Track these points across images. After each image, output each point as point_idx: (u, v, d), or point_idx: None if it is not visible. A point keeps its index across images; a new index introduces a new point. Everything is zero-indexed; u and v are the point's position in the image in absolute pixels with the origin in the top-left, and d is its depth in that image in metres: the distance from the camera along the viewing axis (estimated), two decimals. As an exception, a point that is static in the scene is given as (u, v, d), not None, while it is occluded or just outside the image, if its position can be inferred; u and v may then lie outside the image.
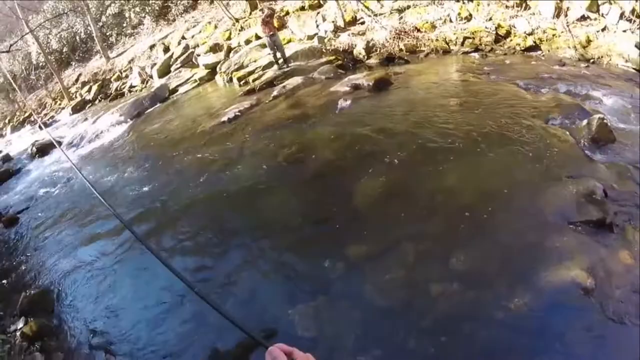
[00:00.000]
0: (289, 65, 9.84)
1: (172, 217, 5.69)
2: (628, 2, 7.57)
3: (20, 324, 4.67)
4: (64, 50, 22.43)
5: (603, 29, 7.86)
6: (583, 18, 8.17)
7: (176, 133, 8.92)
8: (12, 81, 17.72)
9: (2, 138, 19.82)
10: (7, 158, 13.18)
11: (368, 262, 3.89)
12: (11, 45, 13.11)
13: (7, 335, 4.59)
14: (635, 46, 7.17)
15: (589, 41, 7.90)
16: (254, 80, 10.03)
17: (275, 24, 10.03)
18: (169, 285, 4.31)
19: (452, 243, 3.84)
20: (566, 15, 8.36)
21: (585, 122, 5.03)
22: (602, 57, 7.57)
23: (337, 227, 4.49)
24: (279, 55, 9.90)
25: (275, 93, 8.81)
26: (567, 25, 8.25)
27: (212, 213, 5.57)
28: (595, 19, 8.05)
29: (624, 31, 7.59)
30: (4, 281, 5.91)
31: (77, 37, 21.83)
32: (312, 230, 4.62)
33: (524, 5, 9.05)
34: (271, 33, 9.63)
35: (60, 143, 12.15)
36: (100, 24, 19.97)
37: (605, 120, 4.93)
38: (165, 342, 3.79)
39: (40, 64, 22.17)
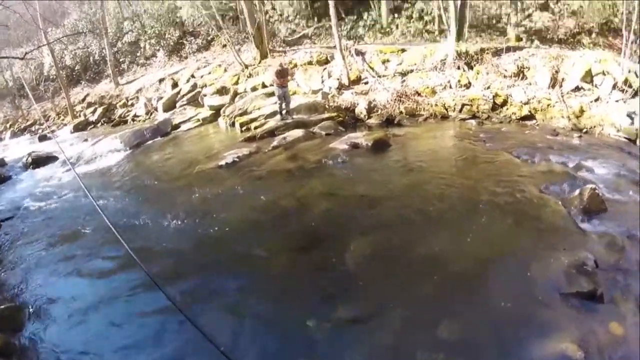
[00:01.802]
0: (292, 117, 10.09)
1: (156, 254, 5.57)
2: (621, 73, 7.91)
3: None
4: (76, 68, 22.83)
5: (596, 99, 8.20)
6: (577, 89, 8.55)
7: (173, 170, 9.00)
8: (25, 85, 17.86)
9: (0, 142, 19.79)
10: (1, 163, 13.06)
11: (354, 324, 3.90)
12: (26, 53, 13.38)
13: None
14: (627, 115, 7.44)
15: (582, 111, 8.21)
16: (255, 128, 10.23)
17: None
18: (157, 321, 4.29)
19: (440, 310, 3.87)
20: (561, 86, 8.76)
21: (577, 192, 5.20)
22: (594, 127, 7.83)
23: (325, 285, 4.51)
24: (284, 106, 10.11)
25: (275, 143, 9.00)
26: (562, 96, 8.62)
27: (195, 257, 5.52)
28: (589, 90, 8.42)
29: (617, 101, 7.93)
30: None
31: (91, 58, 22.29)
32: (299, 287, 4.62)
33: (521, 75, 9.47)
34: (284, 85, 9.82)
35: (57, 158, 12.23)
36: (115, 49, 20.48)
37: (597, 191, 5.10)
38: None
39: (51, 77, 22.50)
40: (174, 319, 4.19)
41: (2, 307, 5.03)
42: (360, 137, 8.43)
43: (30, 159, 12.24)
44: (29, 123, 21.70)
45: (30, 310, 4.96)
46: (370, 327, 3.81)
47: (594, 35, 11.32)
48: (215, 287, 4.79)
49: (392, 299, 4.09)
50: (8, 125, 22.69)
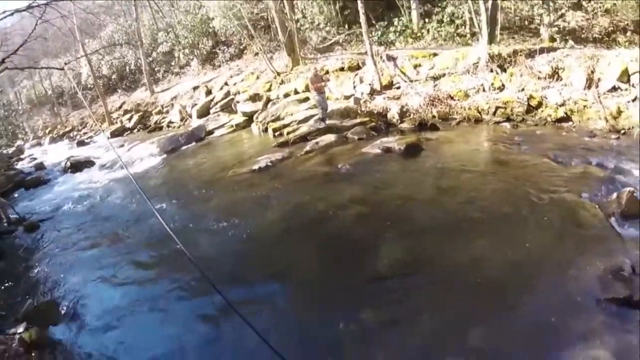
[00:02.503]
0: (326, 122, 10.11)
1: (192, 255, 5.66)
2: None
3: (20, 329, 4.62)
4: (112, 77, 23.81)
5: (634, 100, 7.82)
6: (614, 89, 8.19)
7: (207, 174, 9.20)
8: (79, 90, 18.58)
9: (39, 146, 20.70)
10: (41, 167, 13.69)
11: (383, 328, 3.85)
12: (66, 64, 14.07)
13: (5, 337, 4.58)
14: None
15: (619, 112, 7.87)
16: (288, 133, 10.32)
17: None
18: (191, 323, 4.35)
19: (472, 316, 3.78)
20: (597, 86, 8.40)
21: (614, 195, 5.00)
22: (632, 127, 7.48)
23: (356, 288, 4.48)
24: (321, 112, 10.08)
25: (307, 148, 9.05)
26: (598, 96, 8.26)
27: (231, 257, 5.61)
28: (626, 90, 8.06)
29: (656, 101, 7.52)
30: (14, 283, 5.97)
31: (127, 68, 23.20)
32: (330, 288, 4.61)
33: (555, 76, 9.19)
34: (321, 92, 9.89)
35: (94, 163, 12.67)
36: (150, 59, 21.22)
37: (635, 194, 4.90)
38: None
39: (89, 86, 23.47)
40: (207, 323, 4.31)
41: (39, 302, 5.25)
42: (393, 142, 8.36)
43: (68, 163, 12.83)
44: (67, 129, 22.72)
45: (66, 306, 5.13)
46: (400, 332, 3.77)
47: (629, 33, 10.92)
48: (245, 291, 4.79)
49: (424, 304, 4.05)
50: (47, 132, 23.83)
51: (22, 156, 17.37)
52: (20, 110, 22.60)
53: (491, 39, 10.65)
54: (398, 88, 11.25)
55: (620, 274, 3.85)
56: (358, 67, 12.44)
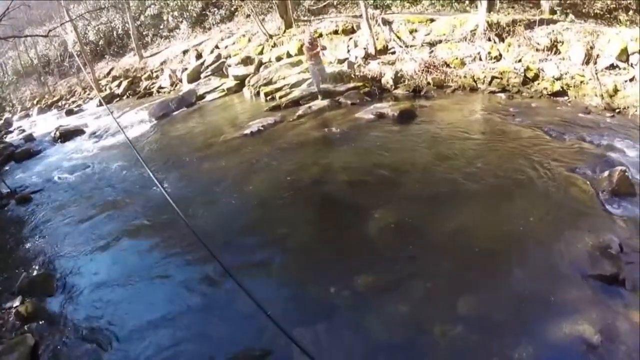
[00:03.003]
0: (321, 95, 9.60)
1: (180, 227, 5.46)
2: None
3: (16, 302, 4.69)
4: (99, 43, 23.10)
5: (631, 79, 7.79)
6: (612, 67, 8.12)
7: (199, 139, 9.10)
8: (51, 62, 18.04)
9: (28, 118, 20.31)
10: (30, 138, 13.45)
11: (374, 293, 3.91)
12: (50, 31, 13.61)
13: (1, 311, 4.63)
14: None
15: (616, 90, 7.84)
16: (280, 97, 10.16)
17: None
18: (188, 290, 4.38)
19: (461, 284, 3.86)
20: (595, 63, 8.33)
21: (606, 173, 5.04)
22: (628, 107, 7.49)
23: (348, 253, 4.54)
24: (322, 85, 9.53)
25: (300, 112, 8.93)
26: (596, 73, 8.21)
27: (222, 222, 5.63)
28: (624, 69, 8.00)
29: (653, 82, 7.49)
30: (8, 257, 5.96)
31: (114, 32, 22.49)
32: (322, 254, 4.66)
33: (554, 49, 9.07)
34: (317, 62, 9.34)
35: (84, 132, 12.46)
36: (138, 22, 20.55)
37: (627, 173, 4.94)
38: (171, 347, 3.81)
39: (76, 53, 22.83)
40: (196, 291, 4.35)
41: (35, 273, 5.28)
42: (387, 107, 8.28)
43: (58, 133, 12.61)
44: (55, 99, 22.22)
45: (61, 278, 5.15)
46: (390, 297, 3.82)
47: (631, 12, 10.72)
48: (238, 257, 4.78)
49: (413, 271, 4.11)
50: (35, 102, 23.27)
51: (10, 129, 16.99)
52: (7, 82, 21.89)
53: (490, 7, 10.39)
54: (393, 53, 11.04)
55: (607, 252, 3.91)
56: (352, 31, 12.13)
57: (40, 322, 4.43)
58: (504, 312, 3.52)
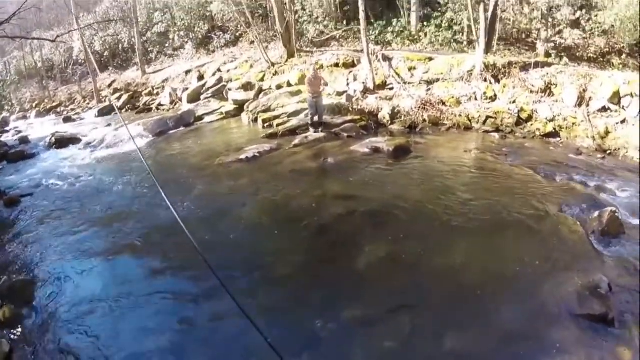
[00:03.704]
0: (321, 129, 9.60)
1: (172, 244, 5.52)
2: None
3: None
4: (104, 54, 23.31)
5: (622, 121, 8.02)
6: (604, 109, 8.35)
7: (194, 160, 9.10)
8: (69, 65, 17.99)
9: (25, 120, 20.22)
10: (25, 140, 13.29)
11: (361, 327, 3.90)
12: (57, 36, 13.75)
13: None
14: None
15: (607, 132, 8.06)
16: (278, 125, 10.29)
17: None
18: (167, 309, 4.35)
19: (449, 320, 3.86)
20: (588, 105, 8.56)
21: (596, 213, 5.13)
22: (619, 149, 7.73)
23: (336, 286, 4.52)
24: (315, 116, 9.65)
25: (296, 141, 9.04)
26: (588, 115, 8.44)
27: (210, 247, 5.46)
28: (616, 111, 8.23)
29: (643, 124, 7.69)
30: None
31: (120, 45, 22.73)
32: (309, 285, 4.63)
33: (548, 91, 9.32)
34: (317, 95, 9.43)
35: (80, 140, 12.43)
36: (145, 38, 20.83)
37: (616, 214, 5.03)
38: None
39: (80, 61, 22.97)
40: (176, 304, 4.33)
41: (15, 279, 5.15)
42: (382, 142, 8.42)
43: (54, 139, 12.48)
44: (54, 104, 22.21)
45: (41, 285, 5.05)
46: (376, 331, 3.81)
47: (624, 56, 11.15)
48: (227, 282, 4.74)
49: (401, 306, 4.11)
50: (34, 105, 23.24)
51: (6, 128, 16.90)
52: (9, 81, 21.89)
53: (488, 49, 10.75)
54: (391, 89, 11.31)
55: (597, 291, 3.95)
56: (353, 65, 12.42)
57: (17, 329, 4.33)
58: (491, 351, 3.53)
